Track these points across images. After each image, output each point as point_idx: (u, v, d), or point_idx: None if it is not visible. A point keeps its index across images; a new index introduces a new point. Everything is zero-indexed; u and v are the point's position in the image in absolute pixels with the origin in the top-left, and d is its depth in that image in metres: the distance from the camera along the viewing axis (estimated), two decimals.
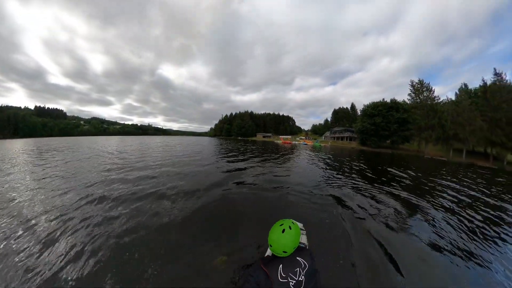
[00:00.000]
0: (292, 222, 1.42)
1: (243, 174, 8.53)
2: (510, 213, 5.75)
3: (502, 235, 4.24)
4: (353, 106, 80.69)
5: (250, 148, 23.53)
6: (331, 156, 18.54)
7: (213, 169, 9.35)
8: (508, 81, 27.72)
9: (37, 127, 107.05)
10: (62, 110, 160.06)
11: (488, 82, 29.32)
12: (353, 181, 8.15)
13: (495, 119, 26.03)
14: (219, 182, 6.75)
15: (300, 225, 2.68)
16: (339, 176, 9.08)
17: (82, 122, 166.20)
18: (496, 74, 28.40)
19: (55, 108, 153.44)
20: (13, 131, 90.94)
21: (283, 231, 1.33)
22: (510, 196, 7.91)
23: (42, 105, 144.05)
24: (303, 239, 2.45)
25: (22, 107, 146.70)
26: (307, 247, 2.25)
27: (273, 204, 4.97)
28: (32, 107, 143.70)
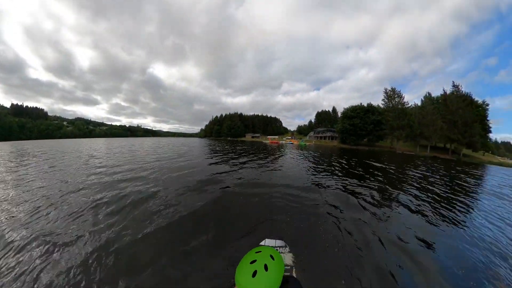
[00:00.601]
0: (271, 256, 0.92)
1: (231, 173, 7.59)
2: (473, 189, 7.35)
3: (467, 204, 5.39)
4: (334, 109, 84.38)
5: (239, 148, 22.61)
6: (315, 153, 19.35)
7: (200, 171, 8.04)
8: (464, 92, 31.94)
9: (14, 129, 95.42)
10: (43, 109, 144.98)
11: (448, 92, 33.30)
12: (340, 173, 8.45)
13: (452, 121, 29.42)
14: (204, 187, 5.62)
15: (280, 243, 2.08)
16: (326, 169, 9.41)
17: (65, 123, 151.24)
18: (454, 86, 32.85)
19: (35, 106, 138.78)
20: None
21: (255, 273, 0.83)
22: (471, 178, 9.78)
23: (20, 103, 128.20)
24: (287, 260, 1.82)
25: None
26: (293, 273, 1.71)
27: (260, 207, 4.28)
28: (8, 105, 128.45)
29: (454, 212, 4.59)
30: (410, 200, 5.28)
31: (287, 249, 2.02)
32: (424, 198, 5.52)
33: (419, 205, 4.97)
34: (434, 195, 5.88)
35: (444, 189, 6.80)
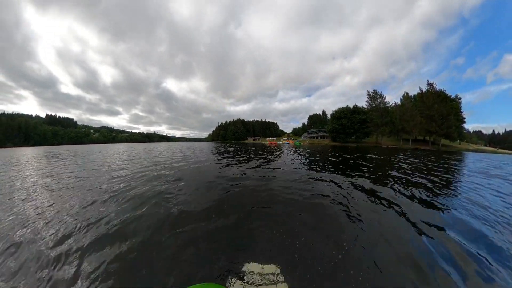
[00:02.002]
0: None
1: (232, 172, 6.40)
2: (454, 173, 6.84)
3: (451, 188, 4.54)
4: (324, 112, 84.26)
5: (241, 149, 20.99)
6: (310, 151, 18.48)
7: (206, 171, 6.57)
8: (438, 89, 31.47)
9: (48, 136, 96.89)
10: (73, 119, 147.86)
11: (424, 90, 32.74)
12: (334, 168, 7.42)
13: (430, 115, 28.80)
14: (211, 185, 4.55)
15: (270, 269, 1.29)
16: (322, 162, 8.83)
17: (91, 130, 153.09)
18: (429, 84, 32.33)
19: (66, 116, 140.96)
20: (24, 140, 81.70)
21: None
22: (451, 164, 9.48)
23: (53, 114, 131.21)
24: None
25: (33, 115, 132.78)
26: None
27: (259, 201, 3.40)
28: (43, 115, 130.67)
29: (446, 195, 3.79)
30: (417, 184, 4.51)
31: (281, 277, 1.20)
32: (422, 181, 4.90)
33: (425, 186, 4.36)
34: (428, 177, 5.25)
35: (434, 174, 5.96)
